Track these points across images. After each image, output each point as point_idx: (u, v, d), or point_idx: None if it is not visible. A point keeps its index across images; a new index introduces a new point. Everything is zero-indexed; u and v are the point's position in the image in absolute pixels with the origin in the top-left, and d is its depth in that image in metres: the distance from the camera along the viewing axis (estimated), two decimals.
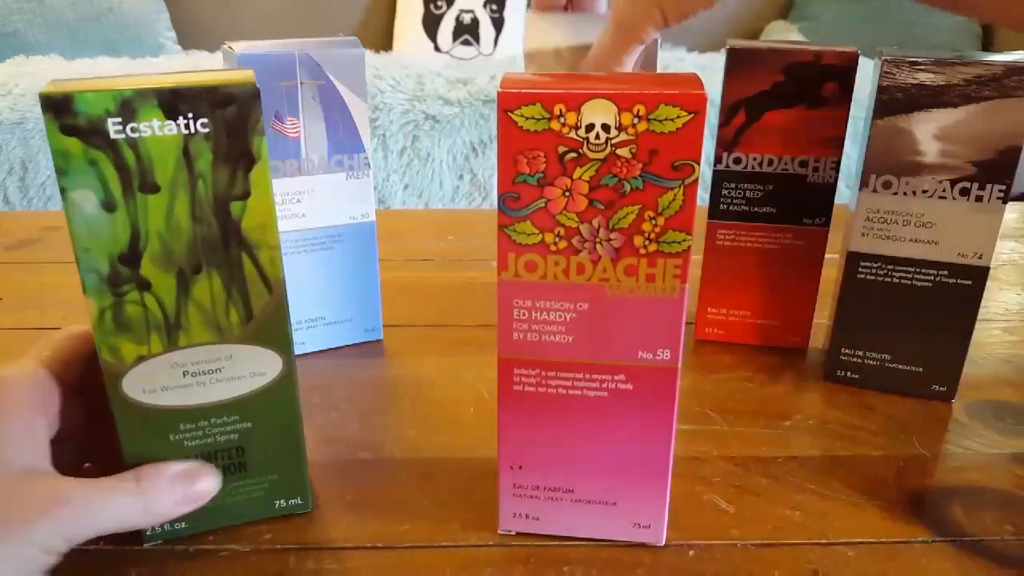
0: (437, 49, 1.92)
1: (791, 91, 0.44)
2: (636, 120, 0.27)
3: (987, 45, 1.91)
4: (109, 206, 0.28)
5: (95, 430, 0.33)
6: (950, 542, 0.34)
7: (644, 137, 0.27)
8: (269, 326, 0.31)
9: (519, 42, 1.94)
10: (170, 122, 0.27)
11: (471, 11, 1.90)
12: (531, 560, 0.33)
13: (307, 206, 0.46)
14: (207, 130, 0.28)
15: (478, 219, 0.75)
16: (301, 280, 0.47)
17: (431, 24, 1.92)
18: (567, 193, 0.28)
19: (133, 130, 0.27)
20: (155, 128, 0.27)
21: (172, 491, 0.30)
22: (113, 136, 0.27)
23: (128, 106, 0.27)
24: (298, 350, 0.48)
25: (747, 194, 0.47)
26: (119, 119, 0.27)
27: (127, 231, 0.28)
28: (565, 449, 0.32)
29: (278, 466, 0.34)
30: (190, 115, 0.27)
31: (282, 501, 0.35)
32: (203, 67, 1.59)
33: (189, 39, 1.97)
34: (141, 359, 0.30)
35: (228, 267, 0.29)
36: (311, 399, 0.44)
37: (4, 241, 0.68)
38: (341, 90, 0.44)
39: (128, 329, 0.29)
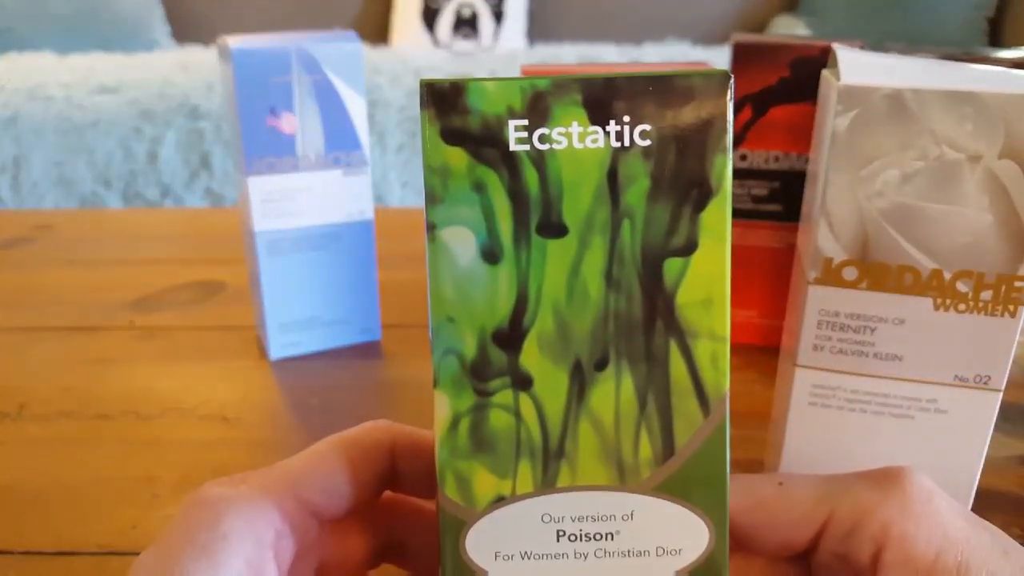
0: (436, 43, 1.91)
1: (797, 86, 0.43)
2: None
3: (995, 40, 1.90)
4: (492, 255, 0.19)
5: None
6: None
7: None
8: (697, 470, 0.20)
9: (519, 36, 1.93)
10: (596, 128, 0.18)
11: (470, 4, 1.89)
12: None
13: (303, 204, 0.45)
14: (647, 143, 0.19)
15: None
16: (296, 280, 0.46)
17: (430, 17, 1.91)
18: None
19: (543, 139, 0.18)
20: (573, 136, 0.18)
21: None
22: (513, 147, 0.18)
23: (540, 103, 0.18)
24: (293, 351, 0.47)
25: (753, 191, 0.46)
26: (525, 122, 0.18)
27: (512, 295, 0.19)
28: None
29: None
30: (626, 119, 0.18)
31: None
32: (199, 63, 1.57)
33: (184, 33, 1.96)
34: (500, 501, 0.20)
35: (647, 364, 0.19)
36: (308, 401, 0.43)
37: None
38: (338, 85, 0.43)
39: (490, 450, 0.20)
